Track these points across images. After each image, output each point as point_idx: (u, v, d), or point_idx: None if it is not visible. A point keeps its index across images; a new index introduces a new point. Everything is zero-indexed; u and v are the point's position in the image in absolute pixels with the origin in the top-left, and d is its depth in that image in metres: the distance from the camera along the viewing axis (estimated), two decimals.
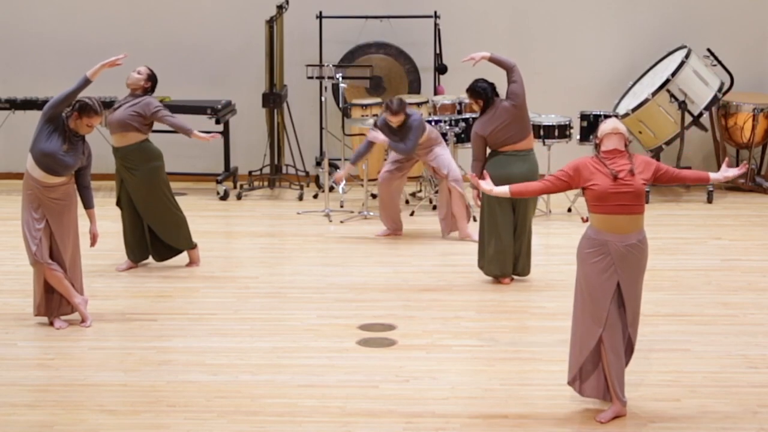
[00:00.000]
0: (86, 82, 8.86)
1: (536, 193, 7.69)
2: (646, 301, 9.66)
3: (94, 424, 7.42)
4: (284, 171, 13.70)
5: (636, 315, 7.40)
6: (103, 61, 8.99)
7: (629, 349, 7.48)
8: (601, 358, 7.37)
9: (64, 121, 8.88)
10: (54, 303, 9.12)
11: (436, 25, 13.51)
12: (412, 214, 12.51)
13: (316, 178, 13.68)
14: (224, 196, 13.25)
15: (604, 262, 7.26)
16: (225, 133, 13.51)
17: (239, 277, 10.44)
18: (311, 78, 12.92)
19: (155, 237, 10.49)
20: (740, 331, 9.02)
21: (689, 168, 13.68)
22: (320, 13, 13.61)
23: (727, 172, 7.55)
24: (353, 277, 10.41)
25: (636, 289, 7.34)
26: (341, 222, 12.24)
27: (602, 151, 7.32)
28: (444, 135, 12.56)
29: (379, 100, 13.23)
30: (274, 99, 13.18)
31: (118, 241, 11.15)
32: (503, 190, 7.68)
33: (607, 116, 12.70)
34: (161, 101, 13.49)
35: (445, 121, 12.58)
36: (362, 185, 12.65)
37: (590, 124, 12.75)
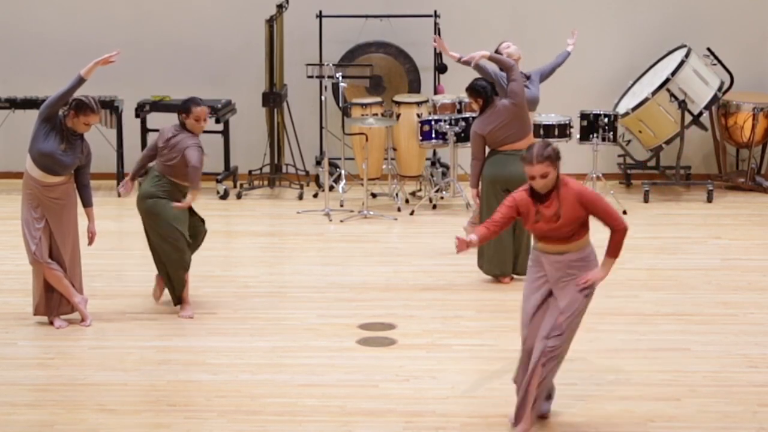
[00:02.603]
0: (80, 80, 8.84)
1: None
2: (647, 300, 9.69)
3: (94, 424, 7.42)
4: (284, 170, 13.70)
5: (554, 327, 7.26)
6: (97, 59, 8.97)
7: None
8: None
9: (61, 120, 8.87)
10: (54, 302, 9.12)
11: (436, 24, 13.51)
12: (412, 213, 12.51)
13: (316, 178, 13.68)
14: (224, 196, 13.25)
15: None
16: (225, 133, 13.50)
17: (239, 277, 10.44)
18: (311, 77, 12.92)
19: None
20: (740, 331, 9.02)
21: (689, 168, 13.71)
22: (320, 12, 13.61)
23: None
24: (353, 277, 10.41)
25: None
26: (341, 221, 12.23)
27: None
28: (444, 134, 12.58)
29: (379, 99, 13.23)
30: (274, 98, 13.18)
31: (117, 241, 11.17)
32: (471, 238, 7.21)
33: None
34: (161, 100, 13.52)
35: (444, 121, 12.58)
36: (362, 185, 12.64)
37: (590, 124, 12.75)
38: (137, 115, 13.41)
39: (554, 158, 7.03)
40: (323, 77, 12.84)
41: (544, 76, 11.50)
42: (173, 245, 9.30)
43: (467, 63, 10.34)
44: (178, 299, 9.41)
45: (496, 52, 10.80)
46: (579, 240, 7.09)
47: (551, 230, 7.04)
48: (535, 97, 11.24)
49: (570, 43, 11.89)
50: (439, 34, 13.49)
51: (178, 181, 9.30)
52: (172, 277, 9.36)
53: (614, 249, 7.07)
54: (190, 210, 9.45)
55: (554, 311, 7.20)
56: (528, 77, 11.20)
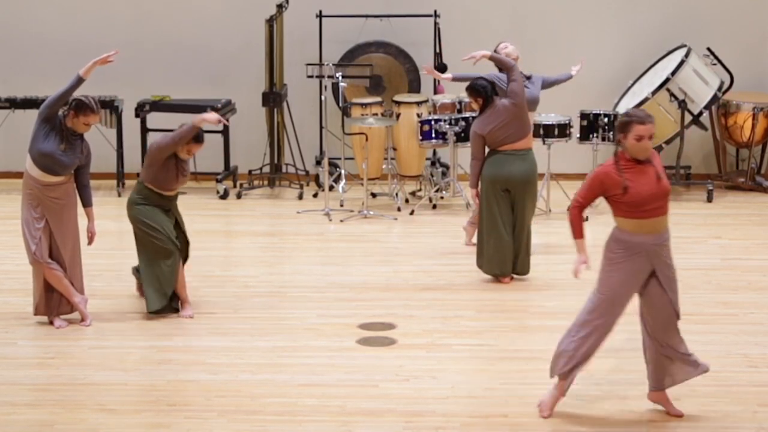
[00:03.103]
0: (79, 80, 8.84)
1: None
2: None
3: (94, 424, 7.42)
4: (284, 170, 13.70)
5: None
6: (95, 58, 8.97)
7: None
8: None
9: (60, 120, 8.87)
10: (53, 302, 9.12)
11: (436, 24, 13.51)
12: (412, 213, 12.51)
13: (316, 178, 13.68)
14: (224, 195, 13.25)
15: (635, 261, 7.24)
16: (225, 133, 13.50)
17: (239, 276, 10.44)
18: (311, 77, 12.92)
19: None
20: (740, 331, 9.02)
21: (689, 167, 13.71)
22: (320, 12, 13.61)
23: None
24: (353, 277, 10.41)
25: None
26: (341, 221, 12.24)
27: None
28: (444, 134, 12.58)
29: (379, 99, 13.23)
30: (274, 98, 13.18)
31: (117, 241, 11.16)
32: (581, 245, 7.30)
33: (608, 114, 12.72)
34: (161, 100, 13.52)
35: (444, 120, 12.58)
36: (362, 185, 12.64)
37: (590, 123, 12.75)
38: (137, 115, 13.42)
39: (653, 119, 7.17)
40: (323, 77, 12.84)
41: (545, 85, 11.50)
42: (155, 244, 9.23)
43: (463, 79, 10.46)
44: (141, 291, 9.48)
45: (495, 52, 10.81)
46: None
47: (658, 194, 7.12)
48: (535, 97, 11.25)
49: (574, 70, 11.85)
50: (439, 34, 13.50)
51: (159, 191, 9.26)
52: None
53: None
54: (177, 225, 9.38)
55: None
56: (528, 78, 11.20)
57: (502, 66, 10.22)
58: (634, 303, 9.78)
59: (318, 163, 13.67)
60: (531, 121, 10.53)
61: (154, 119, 13.46)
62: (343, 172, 13.32)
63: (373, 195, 13.07)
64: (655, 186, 7.16)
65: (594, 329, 7.34)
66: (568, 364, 7.37)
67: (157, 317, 9.31)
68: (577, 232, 7.28)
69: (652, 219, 7.20)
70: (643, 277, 7.28)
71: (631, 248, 7.20)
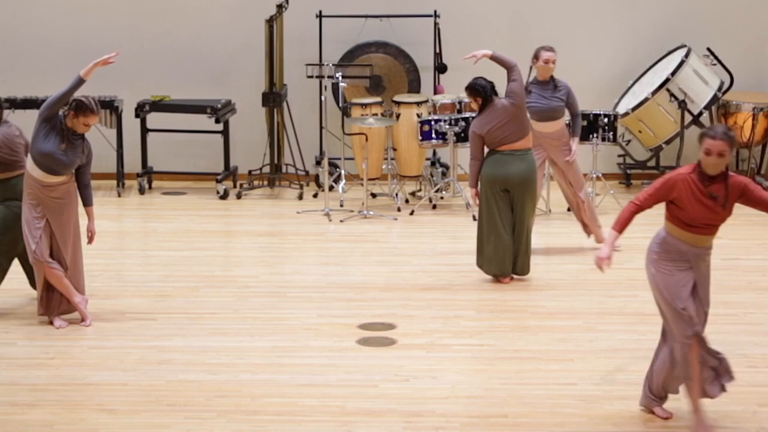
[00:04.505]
0: (80, 81, 8.84)
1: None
2: (647, 300, 9.67)
3: (94, 424, 7.42)
4: (284, 170, 13.69)
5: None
6: (96, 60, 8.98)
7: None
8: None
9: (61, 120, 8.88)
10: (54, 302, 9.12)
11: (435, 24, 13.51)
12: (411, 213, 12.51)
13: (316, 178, 13.67)
14: (224, 196, 13.24)
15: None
16: (225, 133, 13.50)
17: (239, 277, 10.44)
18: (311, 77, 12.92)
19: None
20: (740, 331, 9.02)
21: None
22: (320, 12, 13.61)
23: None
24: (353, 277, 10.41)
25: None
26: (341, 221, 12.23)
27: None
28: (444, 134, 12.57)
29: (379, 99, 13.23)
30: (274, 98, 13.17)
31: (117, 241, 11.16)
32: (611, 236, 7.25)
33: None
34: (161, 100, 13.52)
35: (444, 121, 12.57)
36: (362, 185, 12.64)
37: (590, 124, 12.74)
38: (137, 115, 13.41)
39: (734, 142, 7.01)
40: (323, 77, 12.84)
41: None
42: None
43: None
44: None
45: (535, 59, 10.81)
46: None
47: (711, 218, 7.06)
48: (552, 108, 11.00)
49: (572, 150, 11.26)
50: (438, 34, 13.50)
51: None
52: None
53: None
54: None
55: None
56: (556, 86, 10.96)
57: (503, 65, 10.20)
58: (635, 304, 9.79)
59: (318, 163, 13.66)
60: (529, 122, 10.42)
61: (154, 119, 13.46)
62: (343, 172, 13.31)
63: (373, 195, 13.07)
64: (709, 210, 7.06)
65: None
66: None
67: (157, 317, 9.32)
68: (619, 224, 7.21)
69: (697, 235, 7.17)
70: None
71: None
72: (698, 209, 7.05)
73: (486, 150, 10.16)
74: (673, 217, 7.15)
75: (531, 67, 11.00)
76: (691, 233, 7.14)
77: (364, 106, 13.01)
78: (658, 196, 7.14)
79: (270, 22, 13.02)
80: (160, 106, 13.44)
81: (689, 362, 7.18)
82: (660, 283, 7.23)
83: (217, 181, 13.32)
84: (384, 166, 13.19)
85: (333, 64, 12.86)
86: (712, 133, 6.98)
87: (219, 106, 13.27)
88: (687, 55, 13.03)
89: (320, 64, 12.95)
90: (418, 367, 8.32)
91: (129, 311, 9.48)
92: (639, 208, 7.19)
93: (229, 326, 9.14)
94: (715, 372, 7.29)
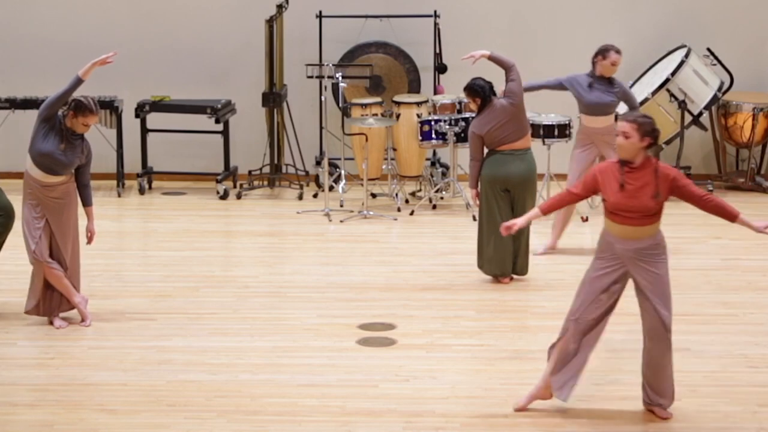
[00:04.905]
0: (79, 81, 8.84)
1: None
2: None
3: (94, 424, 7.42)
4: (284, 170, 13.69)
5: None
6: (94, 59, 8.98)
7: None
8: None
9: (60, 120, 8.87)
10: (54, 302, 9.12)
11: (435, 24, 13.51)
12: (411, 213, 12.51)
13: (316, 178, 13.67)
14: (224, 196, 13.24)
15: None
16: (225, 133, 13.50)
17: (239, 277, 10.44)
18: (311, 77, 12.91)
19: None
20: (740, 331, 9.02)
21: (689, 168, 13.69)
22: (320, 12, 13.61)
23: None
24: (353, 277, 10.41)
25: None
26: (341, 221, 12.23)
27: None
28: (444, 134, 12.57)
29: (378, 99, 13.23)
30: (274, 98, 13.17)
31: (117, 241, 11.16)
32: (533, 213, 7.50)
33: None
34: (161, 100, 13.52)
35: (444, 121, 12.57)
36: (362, 185, 12.64)
37: None
38: (137, 115, 13.41)
39: (644, 127, 7.14)
40: (323, 77, 12.84)
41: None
42: None
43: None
44: None
45: (602, 57, 10.73)
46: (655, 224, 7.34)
47: (632, 204, 7.17)
48: (605, 103, 10.94)
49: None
50: (438, 34, 13.50)
51: None
52: None
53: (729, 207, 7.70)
54: None
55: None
56: (611, 82, 10.85)
57: (502, 65, 10.20)
58: (634, 304, 9.79)
59: (318, 163, 13.66)
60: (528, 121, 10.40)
61: (154, 119, 13.46)
62: (343, 172, 13.31)
63: (373, 195, 13.06)
64: (630, 196, 7.18)
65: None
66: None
67: (157, 317, 9.32)
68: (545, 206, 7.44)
69: (623, 226, 7.24)
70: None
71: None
72: (616, 194, 7.18)
73: (486, 150, 10.16)
74: (604, 210, 7.34)
75: (594, 63, 10.83)
76: (616, 223, 7.27)
77: (364, 106, 13.01)
78: (586, 183, 7.33)
79: (270, 22, 13.02)
80: (160, 106, 13.43)
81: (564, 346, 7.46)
82: (586, 279, 7.42)
83: (217, 182, 13.31)
84: (384, 167, 13.19)
85: (333, 64, 12.85)
86: (623, 116, 7.23)
87: (219, 106, 13.27)
88: (687, 56, 13.03)
89: (320, 64, 12.95)
90: (418, 367, 8.32)
91: (129, 311, 9.48)
92: (570, 194, 7.39)
93: (229, 326, 9.15)
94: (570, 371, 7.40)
